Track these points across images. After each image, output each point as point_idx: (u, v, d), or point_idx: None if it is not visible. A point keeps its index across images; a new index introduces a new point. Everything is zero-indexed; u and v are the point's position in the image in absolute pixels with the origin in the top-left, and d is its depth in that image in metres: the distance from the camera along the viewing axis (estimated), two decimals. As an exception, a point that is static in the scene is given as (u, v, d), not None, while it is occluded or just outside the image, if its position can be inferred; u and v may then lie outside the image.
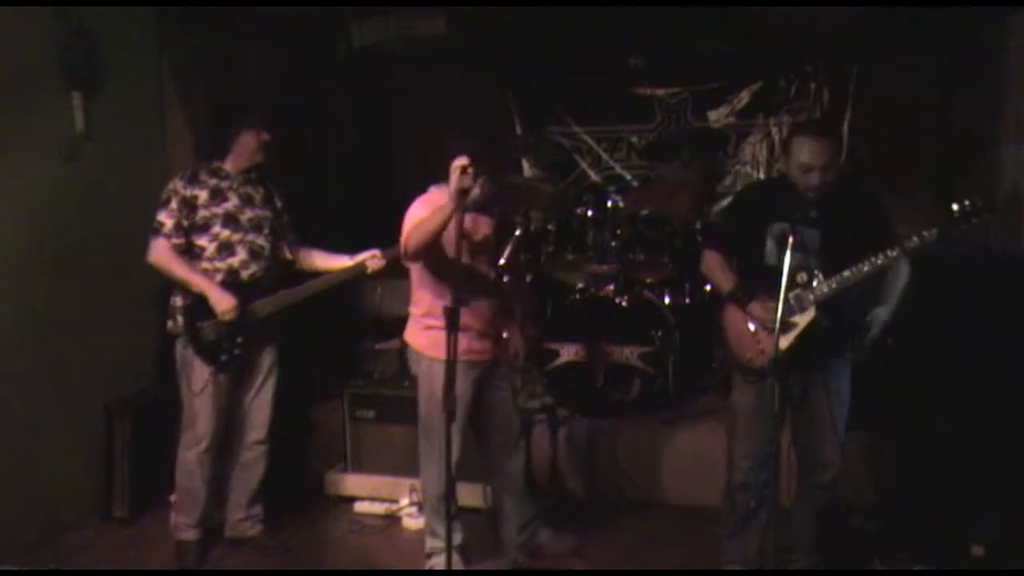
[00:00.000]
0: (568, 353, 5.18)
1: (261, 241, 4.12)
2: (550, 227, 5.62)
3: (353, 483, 4.93)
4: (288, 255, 4.27)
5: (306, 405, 5.29)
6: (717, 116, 6.43)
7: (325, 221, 5.94)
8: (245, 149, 4.08)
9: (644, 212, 5.44)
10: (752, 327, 3.56)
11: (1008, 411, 3.70)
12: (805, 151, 3.44)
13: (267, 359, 4.20)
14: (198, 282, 3.97)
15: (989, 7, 4.89)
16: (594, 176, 6.68)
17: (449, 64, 6.53)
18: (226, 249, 4.03)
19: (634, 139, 6.63)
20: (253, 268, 4.07)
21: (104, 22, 4.61)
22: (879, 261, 3.40)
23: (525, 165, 6.76)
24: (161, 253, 3.99)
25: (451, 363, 3.25)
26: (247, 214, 4.09)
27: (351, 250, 4.26)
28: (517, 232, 5.55)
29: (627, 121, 6.63)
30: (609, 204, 5.48)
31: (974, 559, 3.75)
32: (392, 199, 6.89)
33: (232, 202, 4.06)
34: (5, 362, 4.18)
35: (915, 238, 3.39)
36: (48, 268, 4.38)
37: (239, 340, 4.02)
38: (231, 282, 4.01)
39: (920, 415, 4.04)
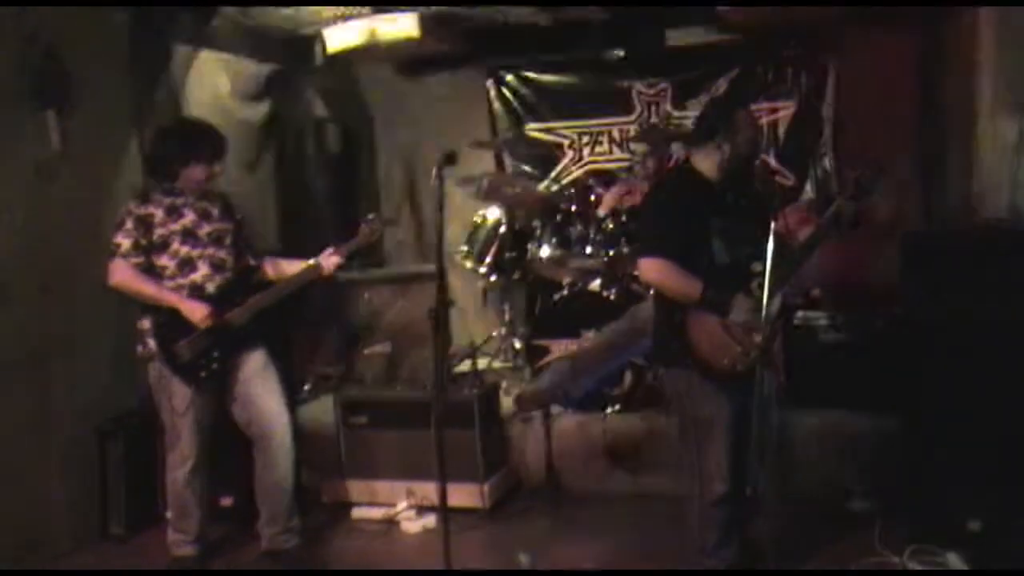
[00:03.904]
0: (558, 349, 5.18)
1: (223, 254, 4.06)
2: (535, 224, 5.62)
3: (349, 489, 4.93)
4: (253, 264, 4.24)
5: (298, 412, 5.28)
6: (696, 106, 6.41)
7: (306, 224, 5.96)
8: (191, 180, 4.01)
9: (627, 205, 5.45)
10: (727, 329, 3.39)
11: (1004, 387, 3.71)
12: (751, 122, 3.56)
13: (254, 362, 4.12)
14: (167, 296, 3.91)
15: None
16: (576, 171, 6.68)
17: (427, 64, 6.53)
18: (187, 265, 3.98)
19: (616, 132, 6.62)
20: (218, 280, 4.02)
21: (76, 40, 4.59)
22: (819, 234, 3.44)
23: (506, 163, 6.75)
24: (123, 273, 3.91)
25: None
26: (205, 228, 4.03)
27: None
28: (502, 230, 5.63)
29: (607, 115, 6.61)
30: (592, 198, 5.48)
31: (971, 534, 3.76)
32: (373, 200, 7.00)
33: (189, 217, 4.00)
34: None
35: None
36: (32, 289, 4.36)
37: (215, 355, 3.97)
38: (197, 297, 3.95)
39: (916, 393, 4.05)
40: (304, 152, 6.56)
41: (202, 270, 4.00)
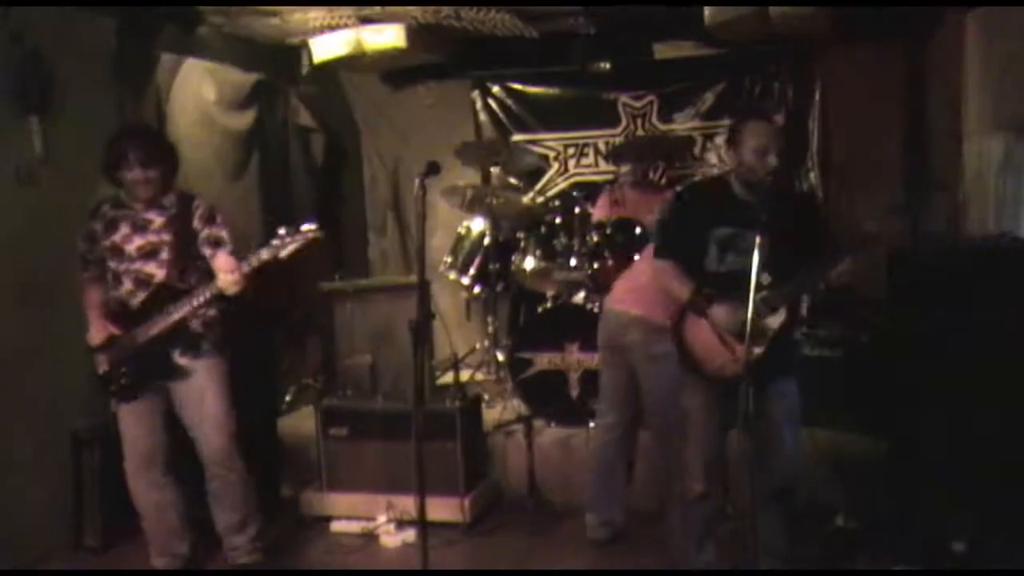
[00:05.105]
0: (542, 362, 5.15)
1: (150, 268, 3.89)
2: (520, 235, 5.60)
3: (329, 502, 4.87)
4: (180, 284, 3.91)
5: (277, 423, 5.23)
6: (682, 119, 6.42)
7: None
8: (132, 186, 3.87)
9: (614, 216, 5.42)
10: (719, 334, 3.44)
11: (987, 405, 3.69)
12: (759, 133, 3.46)
13: (193, 375, 3.92)
14: (88, 313, 3.95)
15: (949, 4, 4.94)
16: (562, 183, 6.67)
17: (416, 75, 6.51)
18: (116, 280, 3.93)
19: (601, 144, 6.61)
20: (141, 296, 3.89)
21: (60, 45, 4.55)
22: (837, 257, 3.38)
23: (493, 174, 6.72)
24: (81, 285, 4.00)
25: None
26: (136, 242, 3.90)
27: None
28: (486, 241, 5.61)
29: (594, 127, 6.60)
30: (577, 210, 5.46)
31: (955, 555, 3.74)
32: (358, 212, 6.97)
33: (121, 232, 3.91)
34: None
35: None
36: (9, 294, 4.31)
37: (123, 370, 3.88)
38: (121, 312, 3.89)
39: (899, 411, 4.04)
40: (289, 162, 6.52)
41: (126, 285, 3.91)
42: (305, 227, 3.72)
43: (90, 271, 3.97)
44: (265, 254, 3.71)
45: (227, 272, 3.73)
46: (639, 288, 4.24)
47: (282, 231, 3.72)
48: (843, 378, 4.65)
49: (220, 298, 3.80)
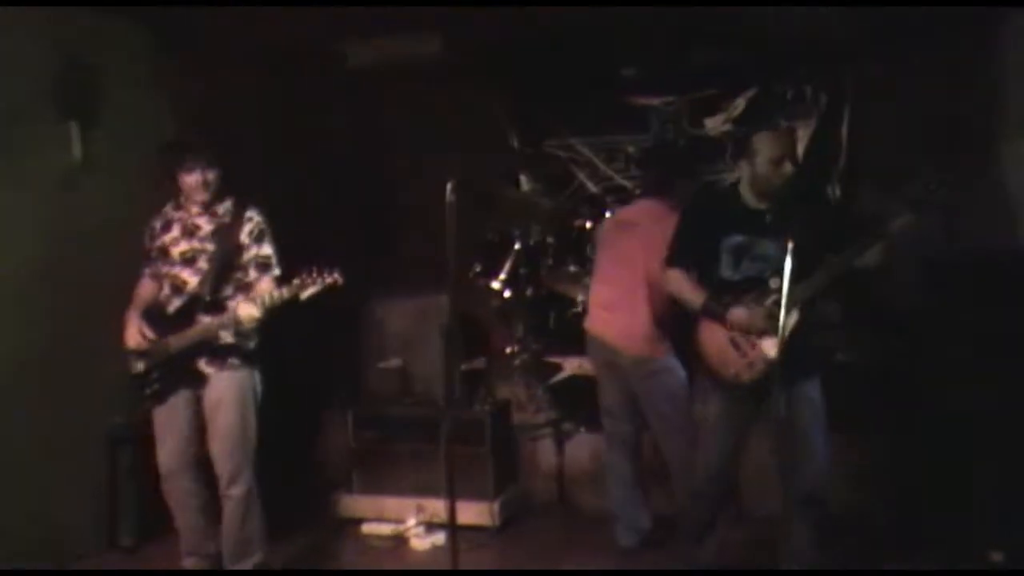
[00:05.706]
0: (572, 366, 5.15)
1: (186, 275, 3.92)
2: (549, 240, 5.60)
3: (359, 504, 4.91)
4: (206, 296, 3.91)
5: (309, 426, 5.26)
6: (713, 124, 6.39)
7: (320, 242, 5.95)
8: (190, 190, 3.91)
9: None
10: (732, 341, 3.46)
11: (1018, 410, 3.65)
12: (772, 143, 3.48)
13: (212, 393, 3.91)
14: (129, 312, 3.94)
15: (986, 7, 4.88)
16: (592, 187, 6.65)
17: (445, 81, 6.53)
18: (160, 281, 3.98)
19: (631, 149, 6.59)
20: (176, 302, 3.92)
21: (101, 53, 4.64)
22: (853, 255, 3.36)
23: (523, 179, 6.73)
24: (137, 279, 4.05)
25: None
26: (181, 247, 3.94)
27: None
28: (516, 246, 5.62)
29: (624, 131, 6.59)
30: (607, 215, 5.45)
31: (993, 565, 3.69)
32: (389, 218, 6.99)
33: (171, 234, 3.97)
34: (6, 392, 4.18)
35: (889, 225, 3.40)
36: (48, 297, 4.39)
37: (155, 375, 3.90)
38: (159, 316, 3.92)
39: (930, 418, 4.00)
40: (320, 167, 6.56)
41: (165, 289, 3.96)
42: (326, 271, 3.73)
43: (150, 267, 4.02)
44: (286, 293, 3.74)
45: (248, 305, 3.73)
46: (615, 312, 4.29)
47: (305, 272, 3.74)
48: (873, 383, 4.61)
49: (239, 322, 3.79)
